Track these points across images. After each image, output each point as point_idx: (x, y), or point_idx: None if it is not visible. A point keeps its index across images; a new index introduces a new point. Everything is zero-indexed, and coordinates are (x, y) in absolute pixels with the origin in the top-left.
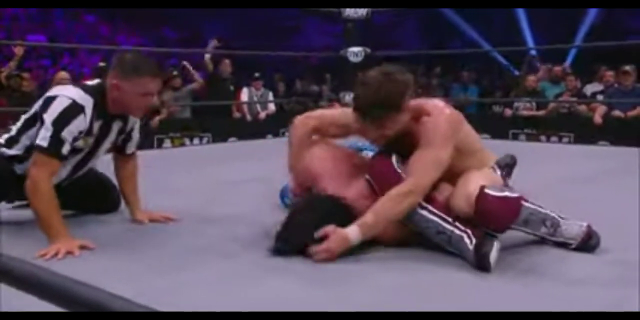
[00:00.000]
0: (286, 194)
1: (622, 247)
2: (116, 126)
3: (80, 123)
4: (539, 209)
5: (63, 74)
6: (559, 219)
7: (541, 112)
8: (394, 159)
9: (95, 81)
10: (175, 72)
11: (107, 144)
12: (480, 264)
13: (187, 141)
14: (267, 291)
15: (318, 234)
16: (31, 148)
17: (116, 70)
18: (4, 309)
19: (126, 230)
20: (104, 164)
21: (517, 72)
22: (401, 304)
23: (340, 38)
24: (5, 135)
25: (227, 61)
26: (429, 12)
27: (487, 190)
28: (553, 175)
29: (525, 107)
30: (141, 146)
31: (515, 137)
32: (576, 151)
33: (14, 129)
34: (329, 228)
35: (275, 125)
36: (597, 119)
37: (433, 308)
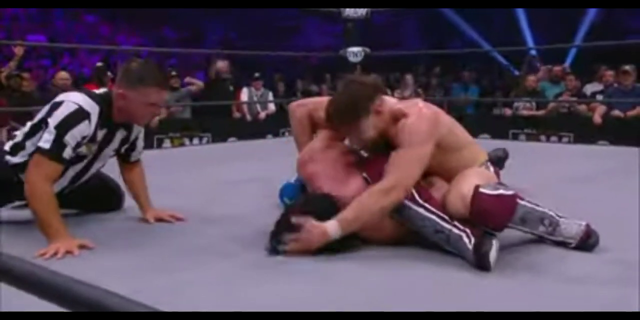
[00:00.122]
0: (286, 193)
1: (621, 247)
2: (120, 135)
3: (84, 129)
4: (536, 208)
5: (63, 74)
6: (558, 218)
7: (541, 112)
8: None
9: (102, 90)
10: (173, 73)
11: (109, 151)
12: (480, 263)
13: (186, 141)
14: (267, 291)
15: (295, 221)
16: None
17: (122, 80)
18: (4, 309)
19: (126, 230)
20: (108, 163)
21: (517, 72)
22: (400, 303)
23: (340, 38)
24: (10, 142)
25: (226, 62)
26: (428, 12)
27: (481, 190)
28: (552, 175)
29: (525, 107)
30: None
31: (515, 137)
32: (576, 151)
33: (20, 135)
34: (305, 219)
35: (275, 125)
36: (597, 118)
37: (431, 308)
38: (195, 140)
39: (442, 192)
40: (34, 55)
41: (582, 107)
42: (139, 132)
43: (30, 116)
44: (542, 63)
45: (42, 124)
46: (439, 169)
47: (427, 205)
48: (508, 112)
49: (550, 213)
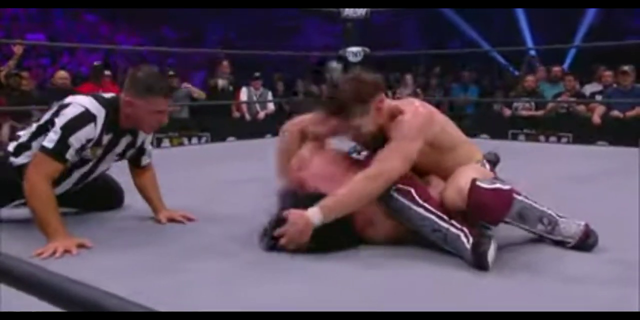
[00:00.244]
0: None
1: (620, 247)
2: (125, 140)
3: (89, 132)
4: (534, 205)
5: (62, 74)
6: (557, 217)
7: (540, 112)
8: None
9: (110, 94)
10: (171, 72)
11: (114, 155)
12: (478, 263)
13: (185, 141)
14: (266, 291)
15: (282, 215)
16: None
17: (131, 88)
18: (4, 309)
19: (125, 229)
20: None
21: (516, 72)
22: (399, 303)
23: (340, 38)
24: (14, 143)
25: (225, 62)
26: (428, 12)
27: (478, 183)
28: (551, 175)
29: (524, 107)
30: None
31: (514, 137)
32: (575, 151)
33: (26, 136)
34: (288, 212)
35: (275, 124)
36: (596, 119)
37: (430, 308)
38: (194, 140)
39: (439, 191)
40: (34, 54)
41: (581, 108)
42: (145, 137)
43: (30, 115)
44: (541, 63)
45: (49, 125)
46: (436, 168)
47: (426, 205)
48: (507, 112)
49: (550, 212)
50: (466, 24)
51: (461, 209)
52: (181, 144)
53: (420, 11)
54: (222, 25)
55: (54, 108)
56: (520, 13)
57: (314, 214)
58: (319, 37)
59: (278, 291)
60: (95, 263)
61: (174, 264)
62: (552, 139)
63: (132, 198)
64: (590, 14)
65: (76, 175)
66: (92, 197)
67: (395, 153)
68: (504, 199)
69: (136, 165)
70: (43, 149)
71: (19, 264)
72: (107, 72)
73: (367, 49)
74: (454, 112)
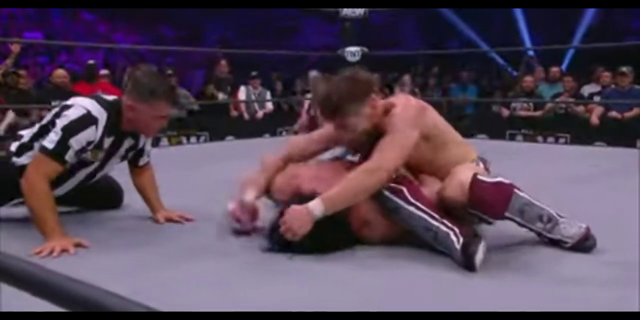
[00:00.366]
0: None
1: (618, 248)
2: (127, 143)
3: (90, 134)
4: (535, 202)
5: (60, 72)
6: (558, 217)
7: (538, 113)
8: None
9: (112, 97)
10: (170, 71)
11: (116, 159)
12: (466, 263)
13: (184, 140)
14: (265, 291)
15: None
16: None
17: (132, 92)
18: (4, 309)
19: (124, 229)
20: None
21: (515, 73)
22: (396, 304)
23: (339, 38)
24: (16, 143)
25: (223, 62)
26: (427, 11)
27: (480, 177)
28: (549, 175)
29: (522, 108)
30: None
31: (512, 138)
32: (573, 152)
33: (27, 136)
34: (291, 207)
35: (273, 124)
36: (594, 119)
37: (428, 308)
38: (193, 139)
39: (432, 191)
40: (31, 53)
41: (580, 108)
42: (146, 139)
43: (27, 114)
44: (539, 64)
45: (50, 125)
46: (430, 167)
47: (417, 203)
48: (505, 112)
49: (551, 211)
50: (465, 24)
51: (462, 204)
52: (180, 143)
53: (419, 11)
54: (221, 25)
55: (56, 109)
56: (518, 13)
57: (316, 206)
58: (318, 37)
59: (277, 291)
60: (94, 262)
61: (172, 263)
62: (550, 139)
63: (131, 198)
64: (589, 14)
65: (79, 178)
66: (92, 197)
67: (392, 145)
68: (505, 193)
69: (135, 164)
70: (43, 149)
71: (17, 262)
72: (105, 71)
73: (365, 49)
74: (453, 112)
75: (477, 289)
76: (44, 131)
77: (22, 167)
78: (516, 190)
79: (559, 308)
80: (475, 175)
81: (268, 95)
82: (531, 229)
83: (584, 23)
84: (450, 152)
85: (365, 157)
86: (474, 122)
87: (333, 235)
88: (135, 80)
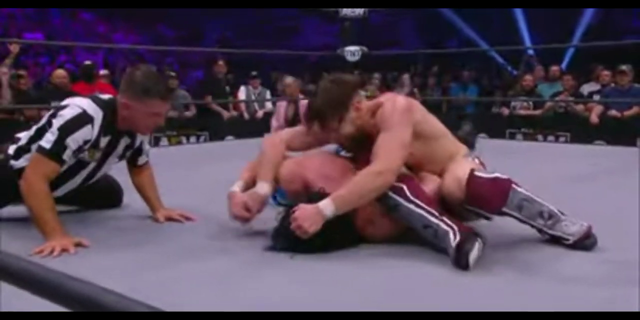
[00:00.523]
0: (279, 193)
1: (618, 247)
2: (124, 142)
3: (86, 133)
4: (535, 198)
5: (60, 73)
6: (560, 214)
7: (538, 112)
8: None
9: (107, 96)
10: (172, 73)
11: (114, 158)
12: (460, 262)
13: (184, 140)
14: (265, 290)
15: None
16: None
17: (127, 90)
18: (4, 309)
19: (123, 228)
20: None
21: (514, 72)
22: (398, 303)
23: (339, 38)
24: (14, 146)
25: (221, 62)
26: (426, 11)
27: (477, 173)
28: (549, 174)
29: (522, 107)
30: None
31: (512, 137)
32: (572, 150)
33: (25, 139)
34: (299, 206)
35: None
36: (594, 118)
37: (428, 308)
38: (193, 139)
39: (431, 188)
40: (31, 53)
41: (579, 107)
42: (143, 137)
43: (26, 115)
44: (539, 63)
45: (47, 126)
46: (425, 160)
47: (417, 201)
48: (505, 111)
49: (552, 208)
50: (464, 24)
51: (460, 199)
52: (179, 142)
53: (418, 10)
54: (221, 25)
55: (52, 110)
56: (518, 13)
57: (326, 206)
58: (318, 37)
59: (277, 291)
60: (94, 262)
61: (172, 263)
62: (550, 138)
63: (130, 197)
64: (589, 13)
65: (79, 177)
66: (92, 196)
67: (391, 144)
68: (502, 188)
69: (134, 164)
70: (40, 149)
71: (17, 261)
72: (104, 72)
73: (364, 48)
74: (453, 112)
75: (477, 287)
76: (40, 133)
77: (20, 170)
78: (514, 186)
79: (559, 306)
80: (472, 170)
81: (268, 95)
82: (532, 225)
83: (583, 22)
84: (443, 144)
85: (356, 156)
86: (474, 121)
87: (339, 234)
88: (130, 79)
